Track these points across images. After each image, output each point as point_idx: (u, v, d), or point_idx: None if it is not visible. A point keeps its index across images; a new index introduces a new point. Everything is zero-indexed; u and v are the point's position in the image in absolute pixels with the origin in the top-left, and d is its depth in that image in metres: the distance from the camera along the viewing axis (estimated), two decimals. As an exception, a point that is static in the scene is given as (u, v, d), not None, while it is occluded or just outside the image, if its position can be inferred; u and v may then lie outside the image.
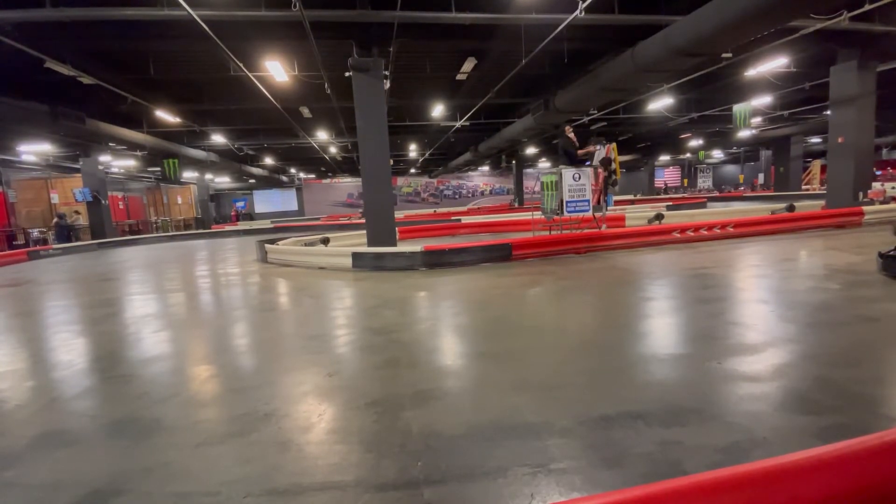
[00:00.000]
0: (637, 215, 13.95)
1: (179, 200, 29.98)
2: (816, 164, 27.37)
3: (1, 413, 3.21)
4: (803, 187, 24.93)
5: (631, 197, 28.49)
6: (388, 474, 2.22)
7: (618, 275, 6.99)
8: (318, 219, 26.94)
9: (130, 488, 2.23)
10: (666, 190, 34.81)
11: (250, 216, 34.32)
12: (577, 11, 6.94)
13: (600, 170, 9.71)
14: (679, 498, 1.14)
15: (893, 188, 16.91)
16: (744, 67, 11.68)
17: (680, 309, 5.01)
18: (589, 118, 16.44)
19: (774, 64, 11.02)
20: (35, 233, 17.83)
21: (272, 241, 11.28)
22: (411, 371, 3.54)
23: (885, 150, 29.98)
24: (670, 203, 20.28)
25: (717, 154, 34.76)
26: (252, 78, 9.39)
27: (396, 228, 9.96)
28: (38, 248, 15.77)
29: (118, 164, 20.99)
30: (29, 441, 2.77)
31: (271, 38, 8.77)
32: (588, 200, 9.19)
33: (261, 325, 5.44)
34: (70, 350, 4.67)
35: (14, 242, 17.38)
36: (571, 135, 9.70)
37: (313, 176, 37.26)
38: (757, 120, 18.98)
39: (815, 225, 10.35)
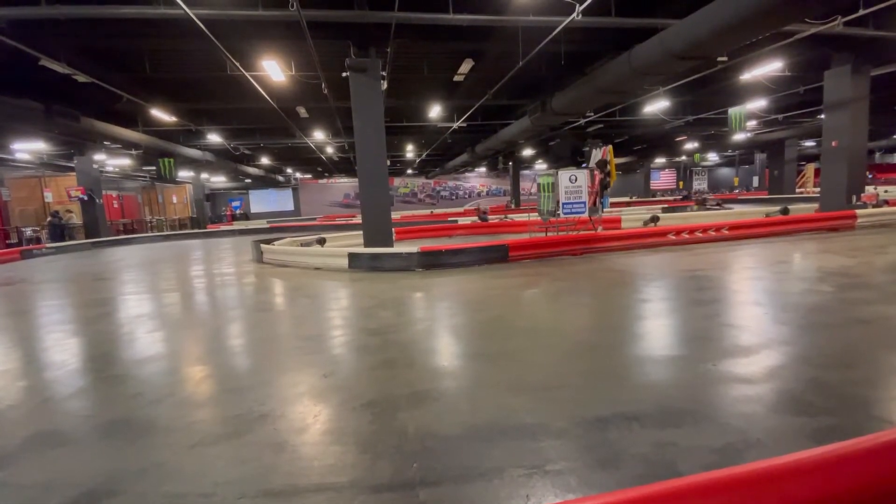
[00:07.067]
0: (633, 217, 14.02)
1: (175, 200, 29.84)
2: (810, 168, 27.56)
3: (-7, 413, 3.19)
4: (797, 190, 25.10)
5: (627, 199, 28.59)
6: (384, 475, 2.21)
7: (614, 276, 7.01)
8: (314, 219, 26.87)
9: (124, 489, 2.22)
10: (654, 193, 34.45)
11: (246, 216, 34.17)
12: (575, 14, 6.96)
13: (596, 172, 9.76)
14: (672, 499, 1.15)
15: (886, 192, 17.09)
16: (739, 71, 11.75)
17: (675, 311, 5.03)
18: (585, 120, 16.50)
19: (769, 68, 11.10)
20: (28, 231, 17.69)
21: (268, 241, 11.25)
22: (407, 372, 3.54)
23: (878, 154, 30.23)
24: (666, 205, 20.38)
25: (713, 157, 34.92)
26: (249, 77, 9.36)
27: (393, 229, 9.95)
28: (31, 247, 15.66)
29: (113, 162, 20.83)
30: (21, 441, 2.75)
31: (268, 37, 8.74)
32: (584, 202, 9.23)
33: (256, 326, 5.42)
34: (63, 350, 4.64)
35: (7, 241, 17.23)
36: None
37: (310, 176, 37.11)
38: (752, 123, 19.11)
39: (809, 228, 10.44)
